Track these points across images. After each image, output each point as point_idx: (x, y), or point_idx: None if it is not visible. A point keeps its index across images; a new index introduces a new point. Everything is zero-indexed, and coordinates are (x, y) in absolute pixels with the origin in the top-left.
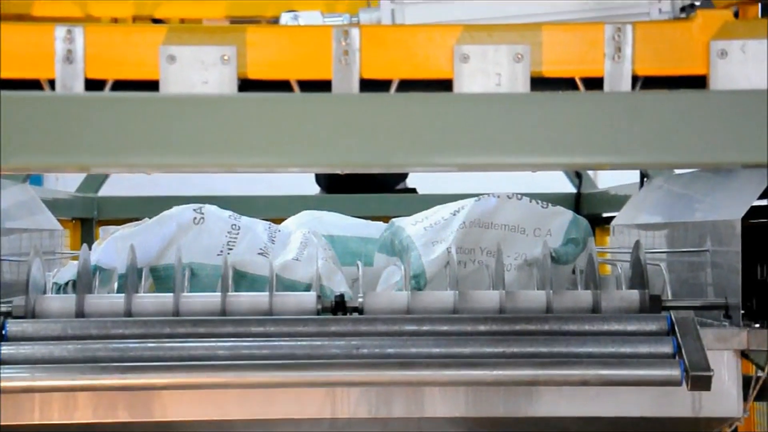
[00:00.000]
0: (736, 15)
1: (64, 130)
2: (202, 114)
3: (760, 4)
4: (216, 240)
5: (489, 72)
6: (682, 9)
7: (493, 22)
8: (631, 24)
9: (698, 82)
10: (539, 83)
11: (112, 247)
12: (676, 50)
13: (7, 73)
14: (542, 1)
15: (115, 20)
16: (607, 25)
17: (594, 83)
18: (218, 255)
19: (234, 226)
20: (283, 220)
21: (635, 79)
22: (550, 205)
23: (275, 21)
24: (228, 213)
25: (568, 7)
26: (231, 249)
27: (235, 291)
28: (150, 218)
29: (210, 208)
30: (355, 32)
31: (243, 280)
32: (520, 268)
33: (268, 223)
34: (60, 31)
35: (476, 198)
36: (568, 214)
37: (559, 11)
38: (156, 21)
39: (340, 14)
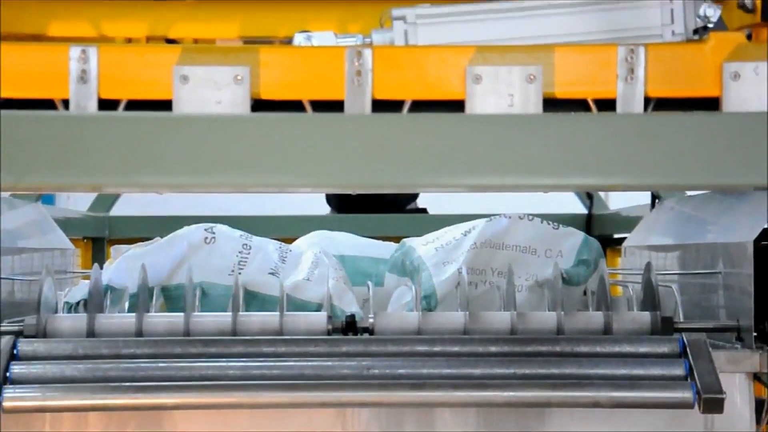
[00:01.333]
0: (749, 37)
1: (77, 149)
2: (214, 134)
3: None
4: (227, 260)
5: (501, 93)
6: (695, 31)
7: (506, 43)
8: (643, 46)
9: (711, 104)
10: (552, 104)
11: (123, 267)
12: (689, 72)
13: (21, 93)
14: (555, 22)
15: (129, 40)
16: (620, 47)
17: (606, 105)
18: (229, 275)
19: (245, 246)
20: (294, 240)
21: (648, 100)
22: (561, 226)
23: (288, 41)
24: (239, 233)
25: (581, 29)
26: (242, 269)
27: (246, 311)
28: (161, 238)
29: (221, 228)
30: (367, 53)
31: (254, 299)
32: (531, 289)
33: (279, 243)
34: (74, 51)
35: (487, 219)
36: (579, 235)
37: (572, 33)
38: (170, 41)
39: (353, 35)
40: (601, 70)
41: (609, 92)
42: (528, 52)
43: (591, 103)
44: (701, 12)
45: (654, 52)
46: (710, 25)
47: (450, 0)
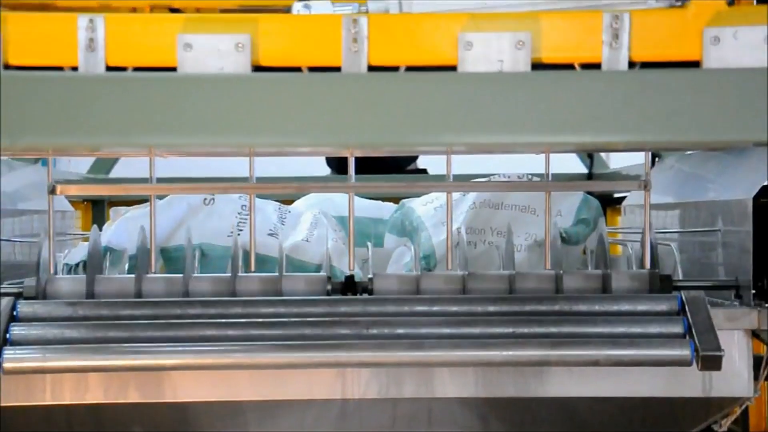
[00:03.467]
0: (731, 3)
1: (74, 110)
2: (215, 94)
3: None
4: (226, 221)
5: (492, 59)
6: None
7: (497, 10)
8: (628, 12)
9: (692, 68)
10: (539, 69)
11: (122, 228)
12: (672, 37)
13: (32, 61)
14: None
15: (134, 10)
16: (605, 14)
17: (592, 69)
18: (228, 236)
19: (244, 207)
20: (293, 201)
21: (632, 65)
22: None
23: (287, 10)
24: (238, 194)
25: None
26: (241, 230)
27: (245, 272)
28: (160, 199)
29: None
30: (363, 21)
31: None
32: (530, 249)
33: (279, 204)
34: (82, 20)
35: (487, 179)
36: (578, 195)
37: None
38: (173, 10)
39: (350, 3)
40: (587, 36)
41: (595, 57)
42: (517, 19)
43: (577, 68)
44: None
45: (638, 18)
46: None
47: None
